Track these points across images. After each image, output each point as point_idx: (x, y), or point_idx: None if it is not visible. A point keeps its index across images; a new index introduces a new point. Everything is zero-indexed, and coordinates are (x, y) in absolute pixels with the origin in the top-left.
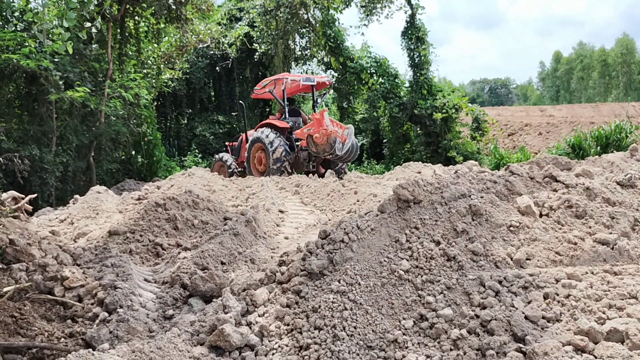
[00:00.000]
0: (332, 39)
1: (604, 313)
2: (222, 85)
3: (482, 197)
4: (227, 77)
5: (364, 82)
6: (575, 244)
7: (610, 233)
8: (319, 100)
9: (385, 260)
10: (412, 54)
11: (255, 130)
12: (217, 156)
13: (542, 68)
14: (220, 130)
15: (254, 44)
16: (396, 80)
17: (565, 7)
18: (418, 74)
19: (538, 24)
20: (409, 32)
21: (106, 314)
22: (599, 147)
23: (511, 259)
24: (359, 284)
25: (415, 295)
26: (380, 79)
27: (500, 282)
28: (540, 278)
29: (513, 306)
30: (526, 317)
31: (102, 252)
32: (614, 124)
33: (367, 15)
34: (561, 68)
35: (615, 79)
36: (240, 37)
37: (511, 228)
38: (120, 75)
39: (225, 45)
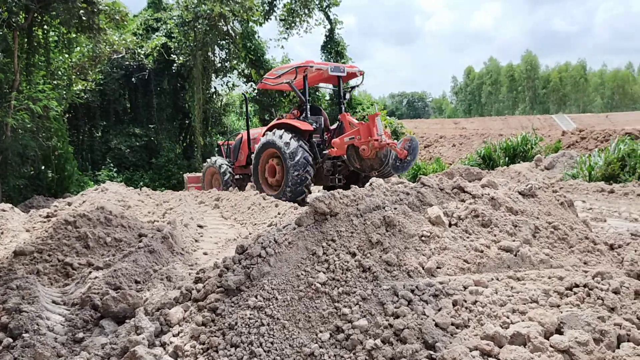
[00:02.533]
0: (252, 52)
1: (508, 317)
2: (139, 97)
3: (395, 209)
4: (143, 89)
5: (285, 94)
6: (482, 251)
7: (514, 240)
8: (347, 95)
9: (302, 274)
10: None
11: (266, 132)
12: (208, 161)
13: (455, 82)
14: (137, 143)
15: (171, 55)
16: (317, 93)
17: (476, 23)
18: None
19: (452, 40)
20: (329, 46)
21: (10, 340)
22: (507, 158)
23: (423, 268)
24: (276, 299)
25: (332, 307)
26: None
27: (412, 291)
28: (450, 286)
29: (424, 314)
30: (436, 325)
31: (6, 274)
32: (520, 136)
33: (287, 28)
34: (473, 83)
35: (522, 93)
36: (158, 48)
37: (423, 238)
38: (27, 87)
39: (142, 56)
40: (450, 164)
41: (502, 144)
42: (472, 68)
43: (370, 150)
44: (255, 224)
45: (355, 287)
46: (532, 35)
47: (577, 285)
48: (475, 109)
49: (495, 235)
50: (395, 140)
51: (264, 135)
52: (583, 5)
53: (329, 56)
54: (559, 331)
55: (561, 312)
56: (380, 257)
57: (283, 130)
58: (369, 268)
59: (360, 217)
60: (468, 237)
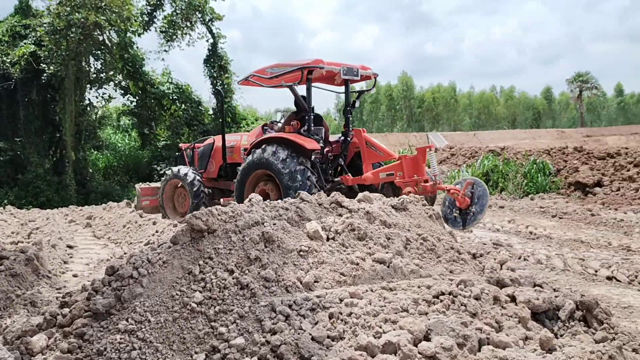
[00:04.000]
0: (130, 63)
1: (380, 327)
2: (3, 108)
3: (274, 224)
4: (9, 99)
5: (165, 108)
6: (357, 264)
7: (387, 252)
8: (356, 103)
9: (177, 294)
10: (215, 82)
11: (255, 146)
12: (168, 172)
13: (338, 100)
14: (1, 158)
15: (41, 64)
16: (200, 107)
17: (357, 43)
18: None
19: (334, 59)
20: (212, 60)
21: None
22: None
23: (301, 282)
24: (149, 321)
25: (208, 327)
26: (183, 105)
27: (290, 306)
28: (327, 299)
29: (301, 329)
30: (313, 338)
31: None
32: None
33: (168, 40)
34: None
35: (400, 112)
36: (26, 57)
37: (301, 253)
38: None
39: (7, 64)
40: None
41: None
42: (354, 87)
43: (416, 193)
44: (130, 243)
45: (233, 305)
46: (408, 57)
47: (443, 293)
48: (358, 126)
49: (370, 248)
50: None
51: (250, 151)
52: (452, 31)
53: (212, 70)
54: (427, 338)
55: (429, 320)
56: (259, 273)
57: (276, 145)
58: (247, 285)
59: (239, 234)
60: (345, 251)
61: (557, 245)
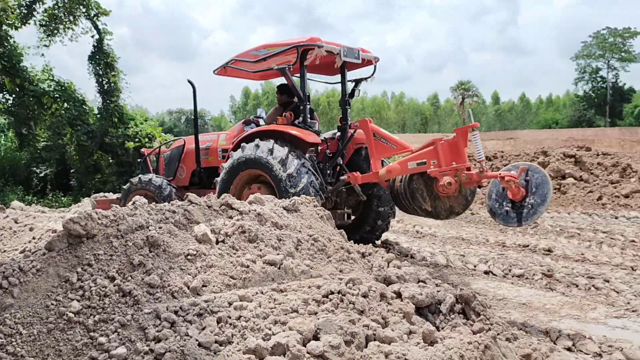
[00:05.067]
0: (6, 58)
1: (270, 329)
2: None
3: (160, 228)
4: None
5: (46, 106)
6: (248, 266)
7: (278, 254)
8: (355, 91)
9: (52, 304)
10: (100, 79)
11: (244, 140)
12: (132, 181)
13: (233, 102)
14: None
15: None
16: (84, 106)
17: (253, 45)
18: (108, 101)
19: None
20: (97, 57)
21: None
22: None
23: (188, 287)
24: (21, 334)
25: (87, 337)
26: (66, 104)
27: (176, 313)
28: (215, 303)
29: (188, 335)
30: (200, 344)
31: None
32: None
33: (49, 35)
34: (250, 102)
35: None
36: None
37: (189, 257)
38: None
39: None
40: None
41: None
42: (249, 89)
43: (457, 183)
44: (4, 251)
45: (114, 314)
46: None
47: (332, 293)
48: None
49: (261, 250)
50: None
51: (236, 147)
52: (348, 37)
53: (98, 68)
54: (316, 337)
55: (318, 319)
56: (143, 279)
57: (273, 141)
58: (129, 292)
59: (122, 238)
60: (235, 253)
61: (440, 242)
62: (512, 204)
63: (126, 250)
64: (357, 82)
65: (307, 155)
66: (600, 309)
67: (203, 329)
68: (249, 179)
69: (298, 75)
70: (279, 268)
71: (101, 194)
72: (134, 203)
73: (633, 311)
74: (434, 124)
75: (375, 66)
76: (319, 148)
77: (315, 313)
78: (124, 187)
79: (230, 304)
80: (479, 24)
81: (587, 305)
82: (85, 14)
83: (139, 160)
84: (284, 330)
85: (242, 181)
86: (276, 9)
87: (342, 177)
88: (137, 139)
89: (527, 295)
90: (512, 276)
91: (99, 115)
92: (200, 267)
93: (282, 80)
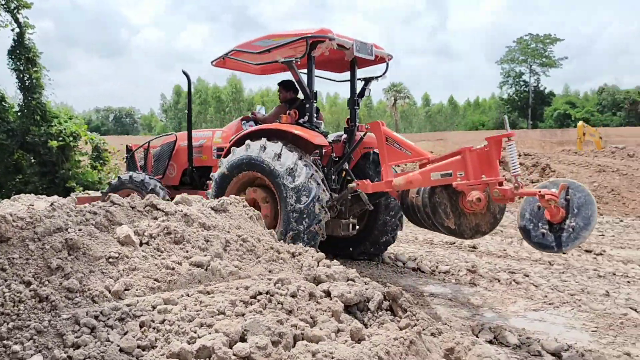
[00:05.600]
0: None
1: (195, 332)
2: None
3: (80, 230)
4: None
5: None
6: (173, 269)
7: (205, 255)
8: (365, 91)
9: None
10: (21, 75)
11: (245, 138)
12: (118, 180)
13: (164, 100)
14: None
15: None
16: (3, 103)
17: (184, 43)
18: (30, 98)
19: (160, 57)
20: (18, 51)
21: None
22: None
23: (110, 291)
24: None
25: (0, 346)
26: None
27: (96, 318)
28: (138, 307)
29: (108, 340)
30: (121, 350)
31: None
32: None
33: None
34: (182, 101)
35: (229, 114)
36: None
37: (110, 260)
38: None
39: None
40: None
41: None
42: (181, 87)
43: (487, 200)
44: None
45: (30, 320)
46: None
47: (260, 293)
48: (185, 127)
49: (187, 252)
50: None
51: (237, 143)
52: None
53: (18, 63)
54: (243, 339)
55: (245, 320)
56: (61, 284)
57: (279, 142)
58: (46, 297)
59: (39, 241)
60: (160, 255)
61: None
62: (550, 226)
63: (43, 253)
64: (368, 80)
65: (311, 158)
66: (520, 303)
67: (125, 333)
68: (247, 181)
69: (304, 70)
70: (206, 269)
71: (84, 191)
72: (52, 204)
73: (550, 304)
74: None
75: (387, 64)
76: (324, 151)
77: (243, 314)
78: (112, 183)
79: (154, 307)
80: (410, 28)
81: (508, 299)
82: (4, 6)
83: (125, 156)
84: (209, 333)
85: (239, 183)
86: (209, 7)
87: (350, 185)
88: (60, 138)
89: (453, 291)
90: (439, 272)
91: (19, 113)
92: (123, 270)
93: (285, 76)
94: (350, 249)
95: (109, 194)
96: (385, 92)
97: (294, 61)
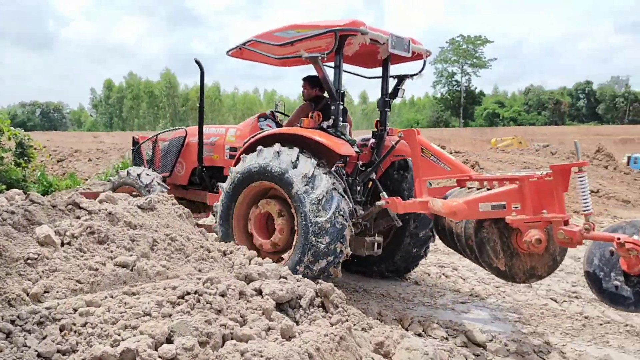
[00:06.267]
0: None
1: (119, 335)
2: None
3: None
4: None
5: None
6: (97, 269)
7: (131, 255)
8: (399, 91)
9: None
10: None
11: (257, 144)
12: (120, 175)
13: (94, 95)
14: None
15: None
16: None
17: (117, 37)
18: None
19: (91, 50)
20: None
21: None
22: None
23: (27, 294)
24: None
25: None
26: None
27: (13, 322)
28: (58, 310)
29: (26, 345)
30: (39, 355)
31: None
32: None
33: None
34: (113, 96)
35: (163, 110)
36: None
37: (29, 261)
38: None
39: None
40: (87, 179)
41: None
42: (112, 81)
43: (547, 240)
44: None
45: None
46: (173, 54)
47: (189, 293)
48: (117, 123)
49: (112, 252)
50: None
51: (248, 149)
52: (218, 32)
53: None
54: (169, 340)
55: (172, 321)
56: None
57: (295, 147)
58: None
59: None
60: (82, 256)
61: None
62: (626, 278)
63: None
64: (401, 79)
65: (334, 167)
66: (448, 295)
67: (44, 338)
68: (261, 193)
69: (331, 64)
70: (132, 270)
71: (86, 187)
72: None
73: (476, 296)
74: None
75: (425, 61)
76: (348, 158)
77: (170, 315)
78: (112, 179)
79: (75, 310)
80: None
81: (437, 293)
82: None
83: (132, 148)
84: (134, 335)
85: (251, 195)
86: (143, 0)
87: (378, 203)
88: None
89: (385, 286)
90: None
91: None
92: (42, 271)
93: (309, 70)
94: (376, 267)
95: (115, 190)
96: None
97: (320, 57)
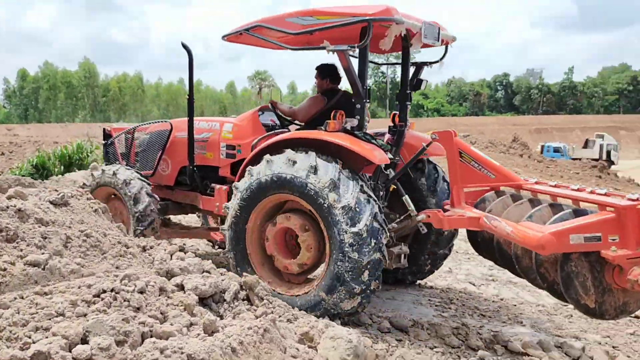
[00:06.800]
0: None
1: (29, 337)
2: None
3: None
4: None
5: None
6: (5, 269)
7: (42, 253)
8: (422, 83)
9: None
10: None
11: (253, 158)
12: (95, 174)
13: (8, 85)
14: None
15: None
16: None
17: (30, 24)
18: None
19: (3, 39)
20: None
21: None
22: (62, 167)
23: None
24: None
25: None
26: None
27: None
28: None
29: None
30: None
31: None
32: (76, 144)
33: None
34: (28, 86)
35: (82, 100)
36: None
37: None
38: None
39: None
40: (0, 173)
41: (57, 152)
42: (27, 71)
43: None
44: None
45: None
46: (91, 43)
47: (105, 291)
48: (33, 115)
49: (22, 250)
50: None
51: (255, 157)
52: (139, 20)
53: None
54: (85, 340)
55: (87, 321)
56: None
57: (310, 151)
58: None
59: None
60: None
61: None
62: None
63: None
64: (419, 67)
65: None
66: None
67: None
68: (274, 207)
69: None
70: (44, 269)
71: None
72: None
73: (400, 282)
74: (233, 112)
75: (446, 48)
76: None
77: (85, 315)
78: (86, 183)
79: None
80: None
81: None
82: None
83: (102, 142)
84: (46, 337)
85: (265, 211)
86: None
87: (418, 217)
88: None
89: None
90: None
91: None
92: None
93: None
94: (400, 275)
95: (93, 191)
96: (250, 80)
97: (348, 50)
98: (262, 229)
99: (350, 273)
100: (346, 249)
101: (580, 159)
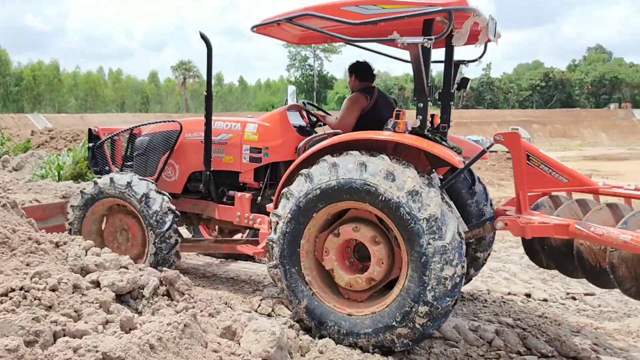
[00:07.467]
0: None
1: None
2: None
3: None
4: None
5: None
6: None
7: None
8: (467, 82)
9: None
10: None
11: (307, 159)
12: (98, 184)
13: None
14: None
15: None
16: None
17: None
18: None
19: None
20: None
21: None
22: None
23: None
24: None
25: None
26: None
27: None
28: None
29: None
30: None
31: None
32: None
33: None
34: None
35: None
36: None
37: None
38: None
39: None
40: None
41: None
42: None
43: None
44: None
45: None
46: (2, 28)
47: (13, 290)
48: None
49: None
50: None
51: (299, 165)
52: (56, 6)
53: None
54: None
55: None
56: None
57: (381, 155)
58: None
59: None
60: None
61: None
62: None
63: None
64: (457, 65)
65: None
66: None
67: None
68: (334, 217)
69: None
70: None
71: (32, 199)
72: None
73: None
74: (156, 104)
75: (486, 45)
76: None
77: None
78: (84, 192)
79: None
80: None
81: None
82: None
83: (89, 145)
84: None
85: (324, 219)
86: None
87: (497, 225)
88: None
89: (236, 270)
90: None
91: None
92: None
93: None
94: None
95: (92, 204)
96: (173, 70)
97: (424, 43)
98: (315, 241)
99: (433, 291)
100: (430, 265)
101: (496, 152)
